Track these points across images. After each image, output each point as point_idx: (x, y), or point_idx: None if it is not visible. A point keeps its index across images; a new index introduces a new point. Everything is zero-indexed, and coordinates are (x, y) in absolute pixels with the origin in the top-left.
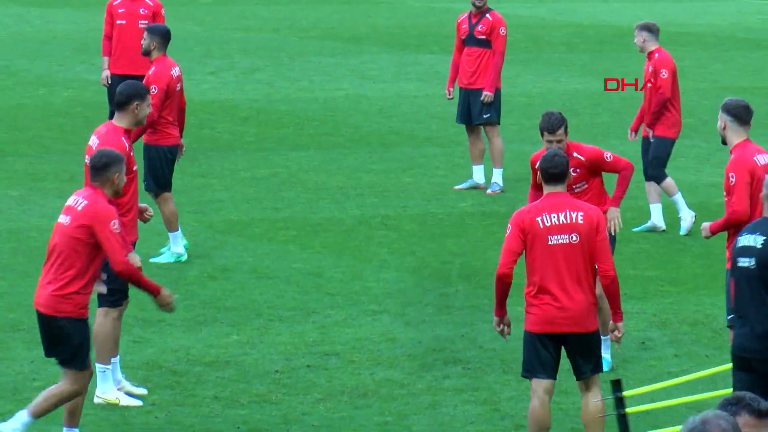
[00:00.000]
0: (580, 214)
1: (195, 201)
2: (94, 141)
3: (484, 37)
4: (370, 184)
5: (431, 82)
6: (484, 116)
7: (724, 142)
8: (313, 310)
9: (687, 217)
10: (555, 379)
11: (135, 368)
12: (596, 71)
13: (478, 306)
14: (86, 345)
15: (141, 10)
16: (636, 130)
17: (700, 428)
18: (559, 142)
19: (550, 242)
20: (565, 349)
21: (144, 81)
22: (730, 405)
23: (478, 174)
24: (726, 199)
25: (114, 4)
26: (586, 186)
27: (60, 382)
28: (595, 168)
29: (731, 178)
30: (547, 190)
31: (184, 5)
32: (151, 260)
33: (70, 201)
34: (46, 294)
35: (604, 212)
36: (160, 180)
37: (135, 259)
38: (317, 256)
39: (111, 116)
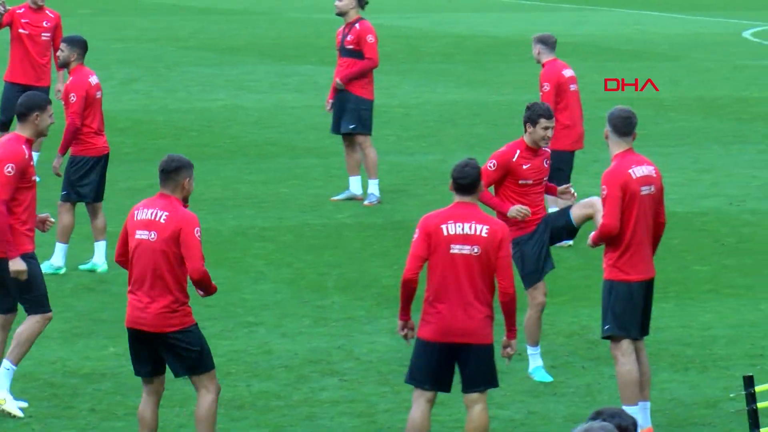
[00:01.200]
0: (485, 227)
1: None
2: None
3: (352, 47)
4: (248, 195)
5: (309, 92)
6: (350, 127)
7: None
8: None
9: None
10: (440, 390)
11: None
12: (474, 82)
13: (355, 317)
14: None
15: (44, 23)
16: None
17: None
18: (552, 129)
19: (451, 251)
20: (457, 361)
21: (63, 91)
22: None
23: (354, 185)
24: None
25: (18, 12)
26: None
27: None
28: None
29: (603, 191)
30: (456, 199)
31: (64, 16)
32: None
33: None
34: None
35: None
36: (78, 191)
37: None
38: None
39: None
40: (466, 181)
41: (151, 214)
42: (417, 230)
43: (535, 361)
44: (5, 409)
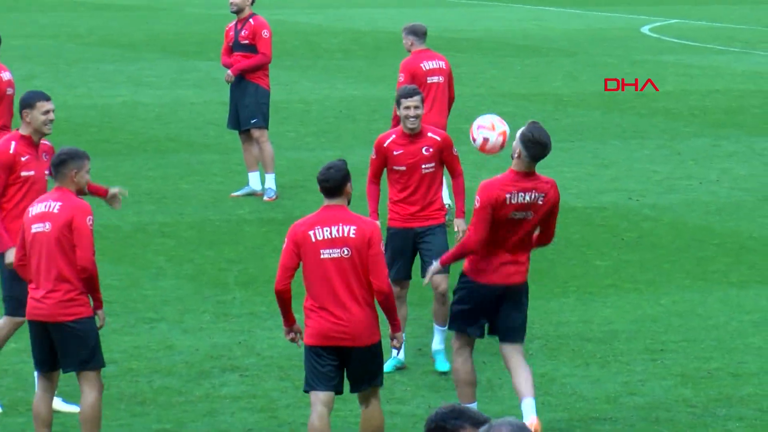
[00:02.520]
0: (353, 228)
1: None
2: None
3: (247, 41)
4: (148, 191)
5: (209, 88)
6: (252, 121)
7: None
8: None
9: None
10: (335, 391)
11: None
12: (373, 77)
13: (256, 313)
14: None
15: None
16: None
17: None
18: (416, 107)
19: (322, 256)
20: (343, 362)
21: None
22: (453, 419)
23: (254, 180)
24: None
25: None
26: (434, 169)
27: (85, 394)
28: (444, 152)
29: (476, 203)
30: (325, 202)
31: None
32: None
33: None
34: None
35: (442, 209)
36: None
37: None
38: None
39: None
40: (330, 184)
41: (45, 206)
42: (285, 239)
43: (437, 343)
44: None
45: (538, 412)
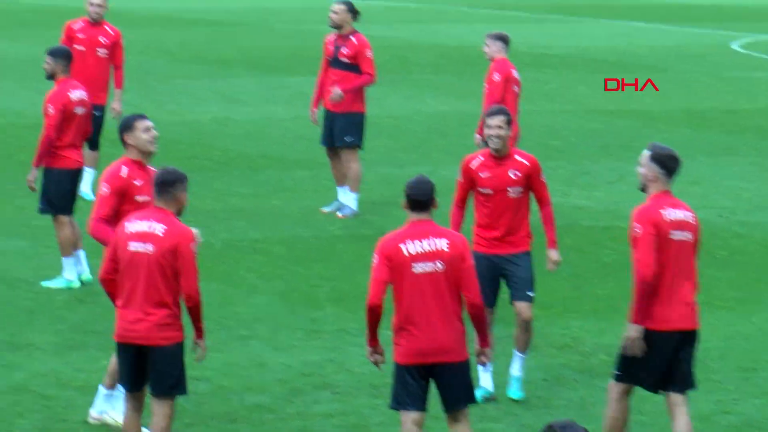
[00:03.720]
0: (445, 241)
1: None
2: None
3: (348, 60)
4: (239, 208)
5: (298, 104)
6: (346, 139)
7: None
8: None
9: None
10: (425, 410)
11: (4, 392)
12: (463, 92)
13: (347, 330)
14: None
15: (101, 39)
16: (482, 134)
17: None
18: (499, 127)
19: (414, 270)
20: (434, 380)
21: (44, 102)
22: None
23: (343, 195)
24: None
25: (74, 27)
26: (521, 194)
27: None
28: (531, 177)
29: (637, 229)
30: (412, 217)
31: (50, 29)
32: (43, 283)
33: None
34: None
35: (529, 236)
36: (53, 203)
37: None
38: None
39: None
40: (421, 198)
41: (147, 226)
42: (375, 255)
43: (516, 369)
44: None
45: (631, 431)
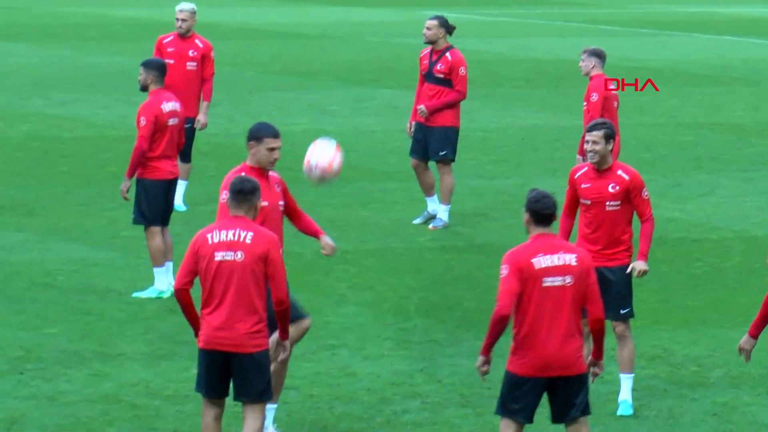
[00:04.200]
0: (573, 256)
1: None
2: None
3: (442, 76)
4: (330, 219)
5: (388, 116)
6: (441, 154)
7: None
8: None
9: None
10: (531, 422)
11: (94, 402)
12: (554, 106)
13: (437, 340)
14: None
15: (190, 52)
16: (582, 154)
17: None
18: (595, 143)
19: (544, 284)
20: (549, 392)
21: (137, 113)
22: None
23: (432, 205)
24: None
25: (164, 41)
26: (620, 207)
27: (250, 425)
28: (631, 193)
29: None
30: (536, 231)
31: (142, 41)
32: (134, 294)
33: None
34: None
35: (628, 250)
36: (145, 214)
37: None
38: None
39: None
40: (550, 212)
41: (233, 234)
42: (506, 266)
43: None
44: None
45: None
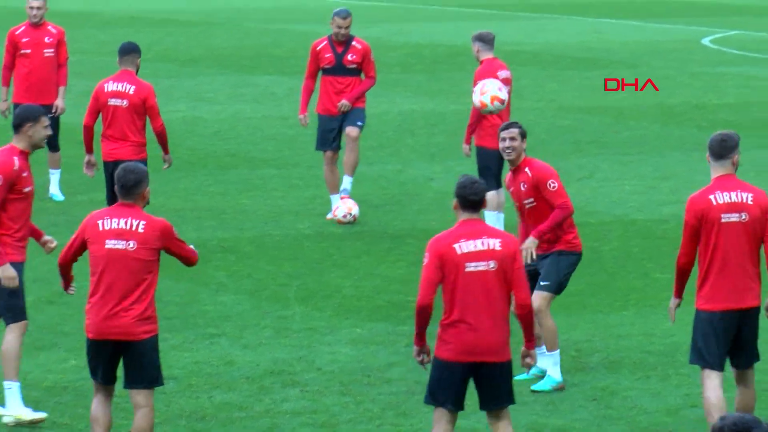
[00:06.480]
0: (498, 241)
1: None
2: None
3: (355, 65)
4: (208, 207)
5: (267, 103)
6: (358, 123)
7: None
8: None
9: None
10: (461, 408)
11: None
12: (431, 91)
13: (316, 328)
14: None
15: (46, 39)
16: (468, 143)
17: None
18: (512, 139)
19: (467, 269)
20: (475, 378)
21: None
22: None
23: (335, 201)
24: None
25: (17, 33)
26: (535, 204)
27: (143, 411)
28: (537, 188)
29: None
30: (463, 216)
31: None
32: None
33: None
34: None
35: (557, 239)
36: None
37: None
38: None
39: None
40: (477, 198)
41: (125, 223)
42: (427, 254)
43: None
44: (27, 419)
45: (598, 425)
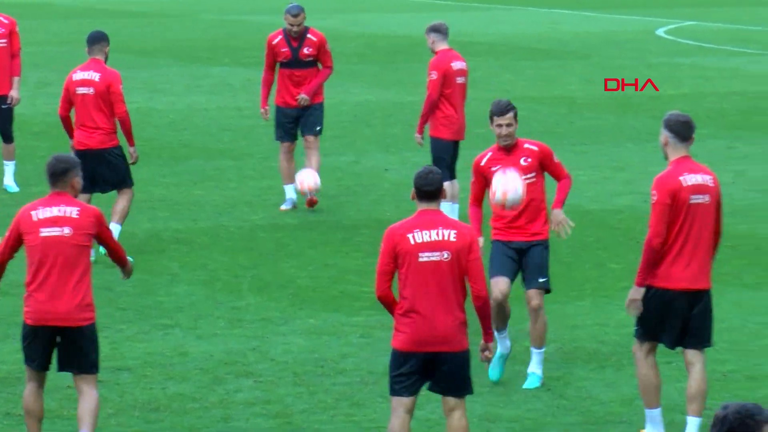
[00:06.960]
0: (452, 231)
1: None
2: None
3: (312, 58)
4: (161, 198)
5: (223, 94)
6: (317, 129)
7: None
8: (105, 325)
9: None
10: (415, 395)
11: None
12: (387, 82)
13: (270, 319)
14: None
15: None
16: (421, 133)
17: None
18: (508, 126)
19: (420, 259)
20: (431, 369)
21: None
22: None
23: (291, 192)
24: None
25: None
26: (535, 179)
27: (90, 395)
28: (544, 162)
29: (653, 196)
30: (420, 206)
31: None
32: None
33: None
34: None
35: (547, 223)
36: None
37: None
38: (108, 270)
39: None
40: (432, 188)
41: (58, 210)
42: (382, 244)
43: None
44: None
45: (553, 415)
